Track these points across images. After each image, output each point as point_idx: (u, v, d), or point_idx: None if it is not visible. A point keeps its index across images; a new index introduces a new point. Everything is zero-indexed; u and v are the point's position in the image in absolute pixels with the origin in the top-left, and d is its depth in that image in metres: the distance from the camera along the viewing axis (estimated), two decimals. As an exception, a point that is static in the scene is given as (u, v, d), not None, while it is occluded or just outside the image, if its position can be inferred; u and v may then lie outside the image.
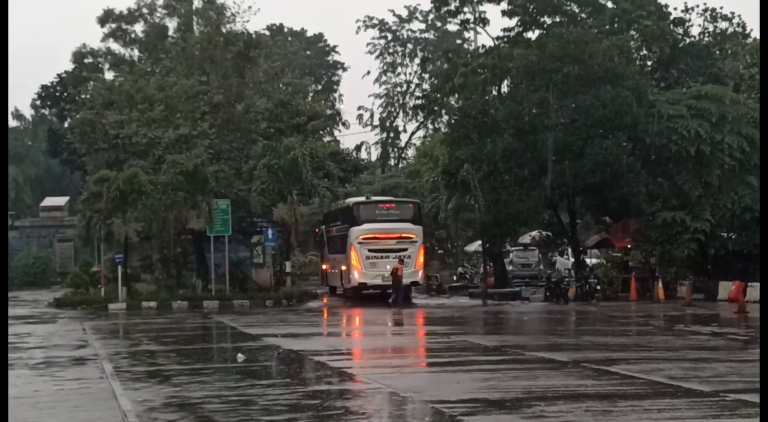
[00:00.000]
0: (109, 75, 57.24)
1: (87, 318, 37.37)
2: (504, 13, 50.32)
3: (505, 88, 49.55)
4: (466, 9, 52.25)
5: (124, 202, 43.62)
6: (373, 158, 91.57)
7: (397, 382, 17.97)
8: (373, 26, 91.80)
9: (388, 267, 44.30)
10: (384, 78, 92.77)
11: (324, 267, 53.17)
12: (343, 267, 46.36)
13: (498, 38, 51.69)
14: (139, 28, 59.91)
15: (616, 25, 49.65)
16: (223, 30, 50.78)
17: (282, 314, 38.72)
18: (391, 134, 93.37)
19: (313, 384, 18.95)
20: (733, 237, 44.08)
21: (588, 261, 50.48)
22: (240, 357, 22.26)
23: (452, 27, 79.20)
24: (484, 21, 52.85)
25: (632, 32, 49.83)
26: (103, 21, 59.30)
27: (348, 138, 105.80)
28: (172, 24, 58.22)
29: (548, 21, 50.14)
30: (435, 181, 53.68)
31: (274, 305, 43.36)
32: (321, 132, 58.15)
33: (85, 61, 58.27)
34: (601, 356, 21.96)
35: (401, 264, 42.73)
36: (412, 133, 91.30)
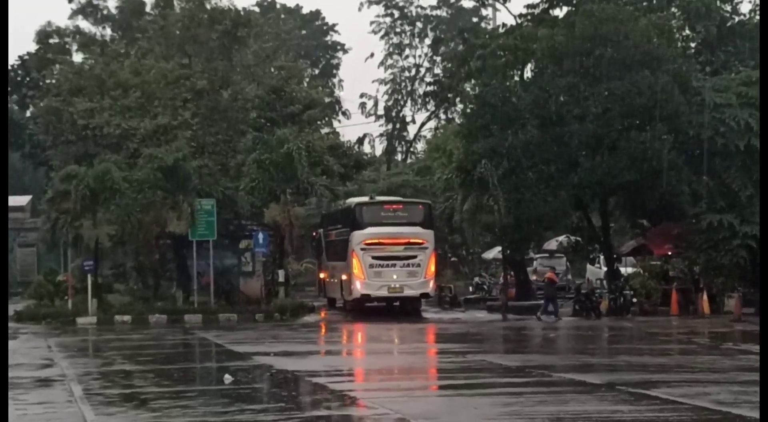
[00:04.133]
0: (77, 57, 57.25)
1: (52, 334, 37.44)
2: (527, -14, 50.39)
3: (528, 73, 49.54)
4: (484, -18, 52.38)
5: (95, 201, 43.66)
6: (378, 152, 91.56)
7: (406, 407, 18.00)
8: (378, 2, 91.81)
9: (395, 276, 44.43)
10: (390, 61, 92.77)
11: (322, 276, 53.23)
12: (344, 277, 46.42)
13: (520, 16, 51.72)
14: (112, 3, 60.14)
15: (655, 2, 49.61)
16: (208, 6, 50.74)
17: (274, 329, 38.82)
18: (398, 125, 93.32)
19: (310, 409, 18.98)
20: (789, 242, 44.03)
21: (623, 270, 50.44)
22: (227, 378, 22.30)
23: (468, 3, 79.36)
24: (504, -4, 52.96)
25: (674, 10, 49.79)
26: (71, -5, 59.46)
27: (349, 129, 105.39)
28: (149, -1, 58.34)
29: (578, -4, 50.13)
30: (448, 178, 53.69)
31: (265, 319, 43.43)
32: (318, 122, 58.13)
33: (51, 41, 58.27)
34: (638, 378, 21.99)
35: (553, 271, 44.92)
36: (422, 124, 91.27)
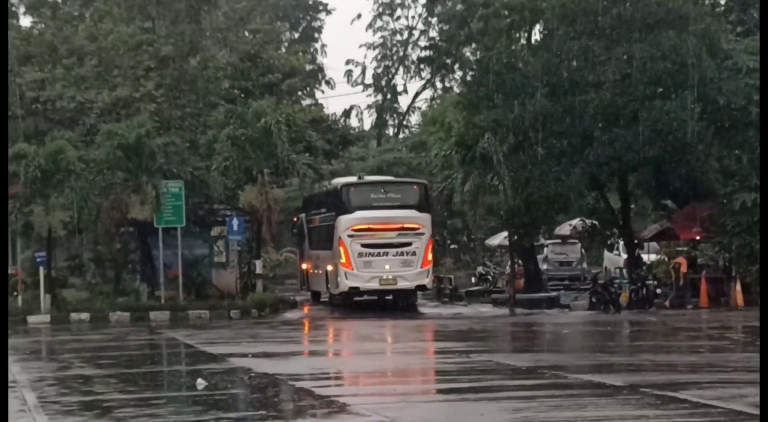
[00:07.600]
0: (25, 20, 57.25)
1: (0, 335, 37.43)
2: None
3: (536, 35, 49.68)
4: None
5: (47, 184, 43.63)
6: (366, 126, 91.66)
7: (403, 414, 18.02)
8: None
9: (387, 266, 44.44)
10: (379, 23, 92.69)
11: (304, 267, 53.26)
12: (330, 268, 46.46)
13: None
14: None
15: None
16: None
17: (251, 328, 38.87)
18: (389, 96, 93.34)
19: (294, 417, 18.98)
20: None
21: (645, 257, 50.53)
22: (200, 382, 22.30)
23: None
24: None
25: (701, -38, 49.85)
26: (17, -50, 59.28)
27: (334, 101, 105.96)
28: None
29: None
30: (447, 155, 53.70)
31: (241, 316, 43.49)
32: (299, 93, 58.23)
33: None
34: (665, 379, 22.03)
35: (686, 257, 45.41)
36: (416, 94, 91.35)
